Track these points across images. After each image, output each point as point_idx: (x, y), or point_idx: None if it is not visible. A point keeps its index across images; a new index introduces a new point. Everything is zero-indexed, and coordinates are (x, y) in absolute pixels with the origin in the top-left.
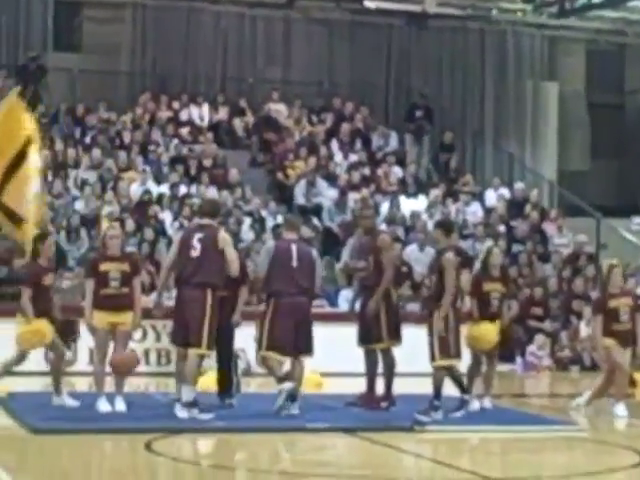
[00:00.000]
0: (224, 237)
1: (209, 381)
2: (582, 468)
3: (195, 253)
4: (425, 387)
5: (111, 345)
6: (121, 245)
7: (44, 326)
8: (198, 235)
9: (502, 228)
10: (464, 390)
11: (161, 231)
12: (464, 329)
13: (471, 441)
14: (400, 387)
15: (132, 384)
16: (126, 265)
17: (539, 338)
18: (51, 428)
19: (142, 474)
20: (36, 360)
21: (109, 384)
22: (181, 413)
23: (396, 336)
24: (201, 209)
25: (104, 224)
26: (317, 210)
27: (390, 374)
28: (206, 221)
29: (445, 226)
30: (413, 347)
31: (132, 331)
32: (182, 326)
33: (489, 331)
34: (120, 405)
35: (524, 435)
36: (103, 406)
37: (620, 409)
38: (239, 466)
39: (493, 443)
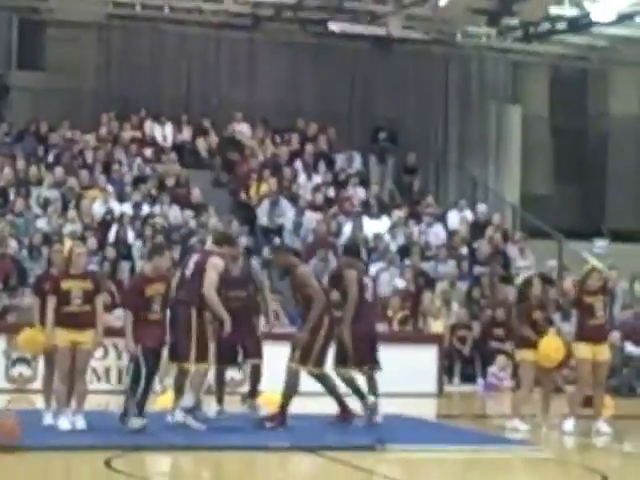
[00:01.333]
0: (212, 262)
1: (166, 400)
2: None
3: (188, 273)
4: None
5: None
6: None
7: (35, 336)
8: (194, 258)
9: (464, 250)
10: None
11: (123, 250)
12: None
13: (432, 461)
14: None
15: (92, 402)
16: (88, 283)
17: (500, 359)
18: (8, 445)
19: None
20: None
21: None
22: (178, 416)
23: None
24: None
25: (67, 242)
26: (280, 230)
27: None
28: (210, 247)
29: (348, 251)
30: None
31: (94, 350)
32: (172, 342)
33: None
34: (80, 423)
35: (485, 455)
36: (63, 424)
37: (568, 425)
38: None
39: (454, 463)
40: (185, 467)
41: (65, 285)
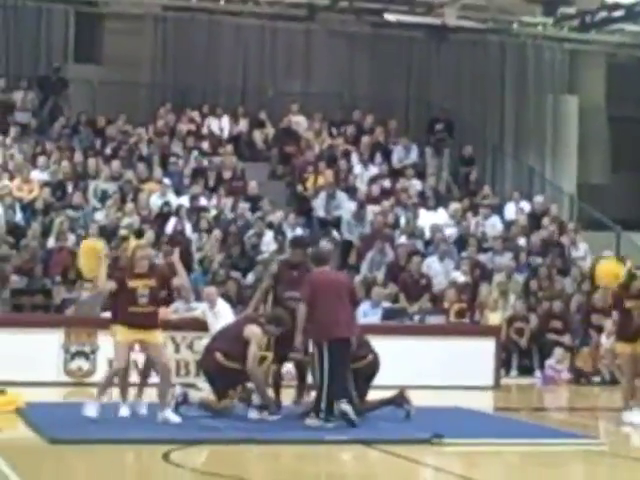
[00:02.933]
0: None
1: None
2: None
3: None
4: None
5: None
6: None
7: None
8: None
9: (522, 241)
10: None
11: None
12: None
13: (490, 454)
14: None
15: (151, 395)
16: (153, 281)
17: (558, 352)
18: (69, 438)
19: None
20: (54, 371)
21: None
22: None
23: None
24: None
25: (131, 242)
26: (337, 222)
27: None
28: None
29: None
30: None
31: (162, 344)
32: None
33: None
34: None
35: (543, 449)
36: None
37: None
38: (256, 477)
39: (512, 456)
40: (242, 460)
41: (131, 284)
